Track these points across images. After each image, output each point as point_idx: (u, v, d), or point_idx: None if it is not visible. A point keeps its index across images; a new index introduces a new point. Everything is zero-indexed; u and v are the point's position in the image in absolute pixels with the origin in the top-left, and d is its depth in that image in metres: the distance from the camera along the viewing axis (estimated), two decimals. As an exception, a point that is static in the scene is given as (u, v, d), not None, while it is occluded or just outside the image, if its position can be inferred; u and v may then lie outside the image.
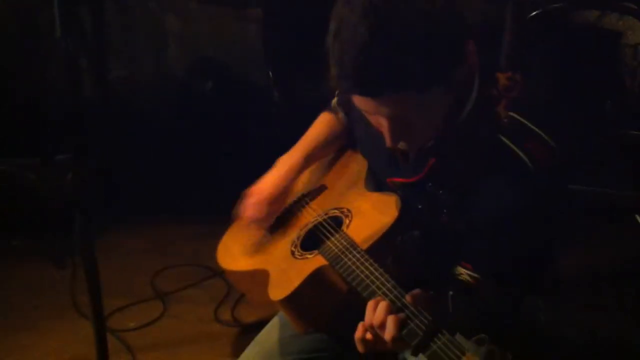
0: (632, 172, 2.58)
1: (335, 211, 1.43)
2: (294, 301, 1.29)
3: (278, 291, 1.31)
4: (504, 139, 1.18)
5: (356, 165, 1.54)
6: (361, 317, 1.16)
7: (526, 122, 1.19)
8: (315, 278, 1.28)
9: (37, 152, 2.51)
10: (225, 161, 2.89)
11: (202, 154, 3.01)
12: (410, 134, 1.18)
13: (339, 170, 1.59)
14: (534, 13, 1.95)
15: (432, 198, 1.27)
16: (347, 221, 1.38)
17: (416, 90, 1.09)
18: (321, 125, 1.58)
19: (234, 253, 1.58)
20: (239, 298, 2.20)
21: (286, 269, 1.37)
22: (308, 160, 1.55)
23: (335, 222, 1.40)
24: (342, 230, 1.35)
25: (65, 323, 2.12)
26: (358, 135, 1.51)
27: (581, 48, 2.42)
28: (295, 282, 1.28)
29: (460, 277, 1.25)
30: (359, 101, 1.15)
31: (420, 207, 1.31)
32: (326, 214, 1.43)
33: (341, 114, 1.56)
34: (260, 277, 1.41)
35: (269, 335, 1.46)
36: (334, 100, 1.58)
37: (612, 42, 2.56)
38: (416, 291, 1.16)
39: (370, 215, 1.35)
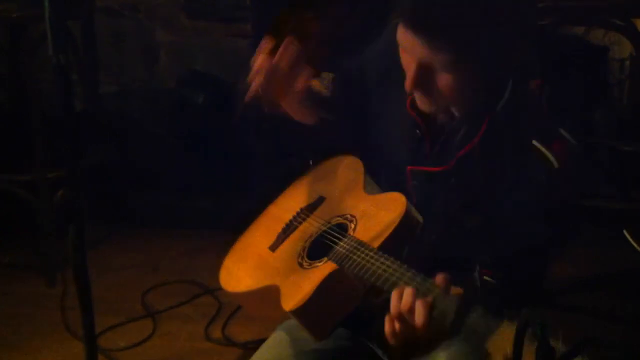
0: (620, 183, 2.59)
1: (339, 219, 1.41)
2: (310, 310, 1.26)
3: (291, 302, 1.28)
4: (534, 141, 1.20)
5: (350, 171, 1.52)
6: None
7: (554, 126, 1.22)
8: (329, 283, 1.25)
9: (29, 169, 2.51)
10: (218, 176, 2.90)
11: (194, 168, 3.01)
12: (430, 89, 1.19)
13: (332, 179, 1.56)
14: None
15: (453, 193, 1.27)
16: (353, 226, 1.36)
17: (459, 49, 1.12)
18: None
19: (239, 275, 1.55)
20: (230, 316, 2.20)
21: (296, 280, 1.34)
22: None
23: (340, 229, 1.38)
24: (349, 234, 1.33)
25: (56, 341, 2.12)
26: (379, 123, 1.46)
27: (570, 62, 2.44)
28: (309, 290, 1.26)
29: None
30: (402, 33, 1.17)
31: (438, 201, 1.30)
32: (329, 223, 1.41)
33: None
34: (270, 294, 1.38)
35: (277, 352, 1.41)
36: None
37: (600, 56, 2.59)
38: (443, 273, 1.14)
39: (375, 215, 1.34)
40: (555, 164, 1.18)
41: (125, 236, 2.72)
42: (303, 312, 1.27)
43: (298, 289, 1.30)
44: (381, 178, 1.46)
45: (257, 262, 1.53)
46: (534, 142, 1.20)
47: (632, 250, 2.34)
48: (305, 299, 1.25)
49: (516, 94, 1.24)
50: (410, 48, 1.17)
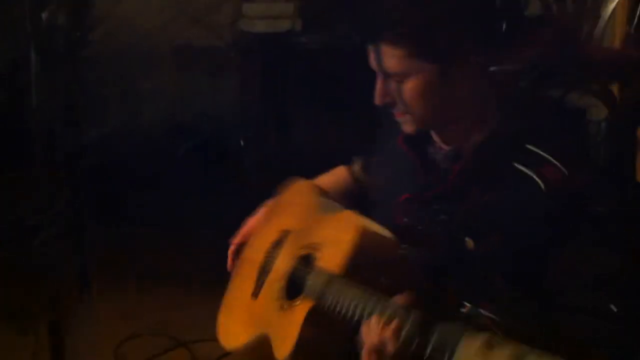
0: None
1: (305, 250, 1.40)
2: (301, 353, 1.25)
3: (281, 350, 1.27)
4: (518, 165, 1.21)
5: (305, 196, 1.52)
6: None
7: (543, 153, 1.22)
8: (310, 323, 1.25)
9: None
10: (197, 227, 2.89)
11: (173, 219, 3.01)
12: (398, 100, 1.27)
13: (290, 209, 1.55)
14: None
15: (443, 219, 1.27)
16: (319, 255, 1.35)
17: (395, 42, 1.21)
18: (330, 174, 1.65)
19: (234, 331, 1.53)
20: (203, 369, 2.17)
21: (281, 325, 1.34)
22: None
23: (308, 261, 1.36)
24: (316, 266, 1.32)
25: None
26: (377, 165, 1.54)
27: (547, 123, 2.48)
28: (294, 335, 1.25)
29: (475, 319, 1.18)
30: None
31: (422, 228, 1.30)
32: (297, 256, 1.40)
33: (357, 166, 1.61)
34: (263, 343, 1.37)
35: None
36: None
37: (578, 118, 2.63)
38: (404, 293, 1.15)
39: (334, 239, 1.32)
40: (542, 186, 1.18)
41: (99, 286, 2.67)
42: (297, 357, 1.25)
43: (285, 336, 1.29)
44: (375, 213, 1.43)
45: (244, 314, 1.51)
46: (521, 167, 1.20)
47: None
48: (293, 346, 1.24)
49: (501, 128, 1.26)
50: (373, 65, 1.28)
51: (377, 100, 1.31)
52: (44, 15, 1.77)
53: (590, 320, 1.49)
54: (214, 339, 2.15)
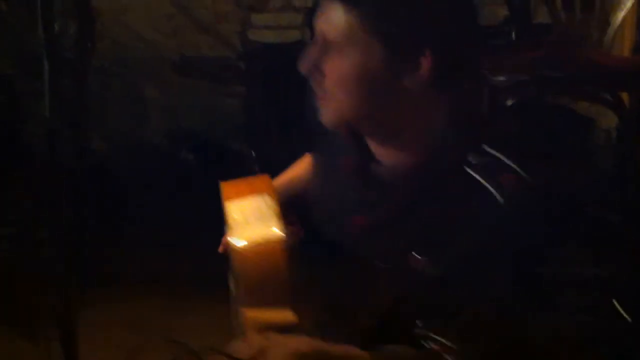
0: (606, 253, 2.59)
1: None
2: None
3: None
4: (473, 173, 1.10)
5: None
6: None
7: (501, 156, 1.10)
8: None
9: (14, 223, 2.48)
10: (205, 233, 2.89)
11: (181, 225, 3.01)
12: (324, 70, 1.12)
13: None
14: (510, 103, 2.01)
15: (395, 241, 1.17)
16: None
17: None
18: (299, 163, 1.51)
19: None
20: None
21: None
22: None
23: None
24: None
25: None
26: (322, 192, 1.38)
27: (555, 131, 2.49)
28: None
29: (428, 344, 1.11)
30: None
31: (377, 253, 1.19)
32: None
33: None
34: None
35: None
36: None
37: (586, 126, 2.64)
38: None
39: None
40: (501, 200, 1.07)
41: (108, 293, 2.67)
42: None
43: None
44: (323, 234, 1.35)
45: None
46: (474, 175, 1.09)
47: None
48: None
49: (456, 132, 1.14)
50: (318, 27, 1.12)
51: (303, 65, 1.13)
52: (56, 26, 1.79)
53: (590, 320, 1.45)
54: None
